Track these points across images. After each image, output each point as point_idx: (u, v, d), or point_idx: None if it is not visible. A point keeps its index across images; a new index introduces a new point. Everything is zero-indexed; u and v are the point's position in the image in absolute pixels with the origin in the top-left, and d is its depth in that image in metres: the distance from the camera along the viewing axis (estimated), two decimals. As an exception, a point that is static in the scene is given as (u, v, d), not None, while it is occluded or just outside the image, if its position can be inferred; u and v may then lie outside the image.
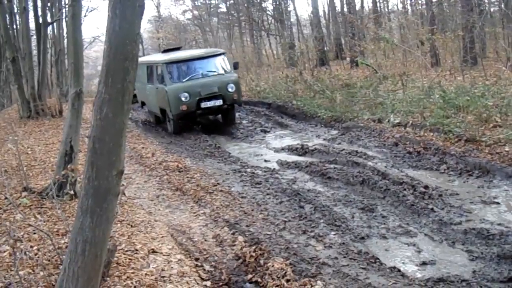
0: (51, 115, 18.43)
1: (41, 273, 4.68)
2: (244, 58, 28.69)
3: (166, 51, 18.36)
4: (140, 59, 18.01)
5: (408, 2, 28.77)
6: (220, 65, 15.64)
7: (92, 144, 3.48)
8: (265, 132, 14.31)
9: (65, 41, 26.23)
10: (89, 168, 3.49)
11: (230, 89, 14.67)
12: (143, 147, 12.66)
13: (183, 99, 14.24)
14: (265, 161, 10.92)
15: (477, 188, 7.79)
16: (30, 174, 9.29)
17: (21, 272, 4.58)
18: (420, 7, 25.86)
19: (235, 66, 16.31)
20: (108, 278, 4.71)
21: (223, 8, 48.62)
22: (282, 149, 11.83)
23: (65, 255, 3.93)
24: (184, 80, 14.76)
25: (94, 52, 47.68)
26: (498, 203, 7.13)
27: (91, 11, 50.34)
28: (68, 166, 6.55)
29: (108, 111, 3.36)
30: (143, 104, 18.64)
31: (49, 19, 21.93)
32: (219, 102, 14.59)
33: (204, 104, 14.47)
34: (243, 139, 13.71)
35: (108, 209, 3.58)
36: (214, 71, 15.38)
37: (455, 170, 8.65)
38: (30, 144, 12.78)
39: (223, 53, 16.33)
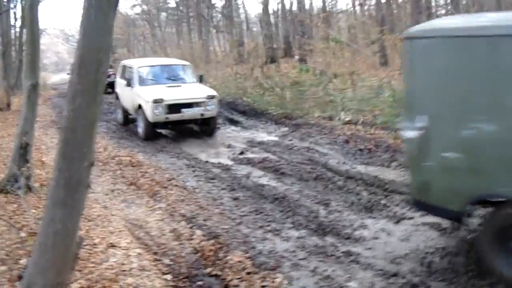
0: (-1, 108, 17.95)
1: (2, 268, 4.59)
2: (193, 55, 28.65)
3: None
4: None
5: (357, 2, 29.35)
6: None
7: (64, 135, 3.44)
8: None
9: (13, 32, 25.74)
10: (60, 159, 3.45)
11: None
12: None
13: None
14: (218, 156, 10.94)
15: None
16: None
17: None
18: (369, 7, 26.43)
19: None
20: (69, 272, 4.66)
21: (172, 3, 48.24)
22: (234, 145, 11.88)
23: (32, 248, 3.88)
24: None
25: (41, 45, 46.51)
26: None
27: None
28: (27, 159, 6.45)
29: (82, 101, 3.33)
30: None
31: (-3, 10, 21.29)
32: None
33: None
34: (194, 134, 13.58)
35: (79, 201, 3.56)
36: None
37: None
38: (-24, 138, 12.41)
39: None
